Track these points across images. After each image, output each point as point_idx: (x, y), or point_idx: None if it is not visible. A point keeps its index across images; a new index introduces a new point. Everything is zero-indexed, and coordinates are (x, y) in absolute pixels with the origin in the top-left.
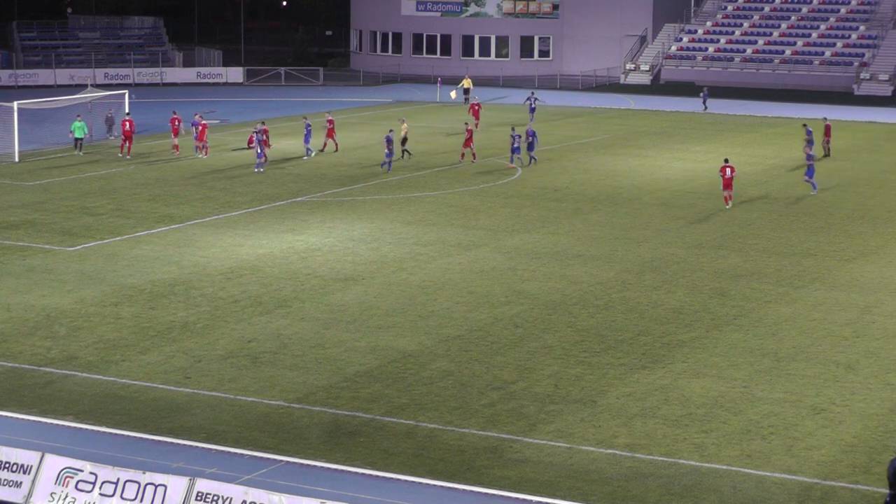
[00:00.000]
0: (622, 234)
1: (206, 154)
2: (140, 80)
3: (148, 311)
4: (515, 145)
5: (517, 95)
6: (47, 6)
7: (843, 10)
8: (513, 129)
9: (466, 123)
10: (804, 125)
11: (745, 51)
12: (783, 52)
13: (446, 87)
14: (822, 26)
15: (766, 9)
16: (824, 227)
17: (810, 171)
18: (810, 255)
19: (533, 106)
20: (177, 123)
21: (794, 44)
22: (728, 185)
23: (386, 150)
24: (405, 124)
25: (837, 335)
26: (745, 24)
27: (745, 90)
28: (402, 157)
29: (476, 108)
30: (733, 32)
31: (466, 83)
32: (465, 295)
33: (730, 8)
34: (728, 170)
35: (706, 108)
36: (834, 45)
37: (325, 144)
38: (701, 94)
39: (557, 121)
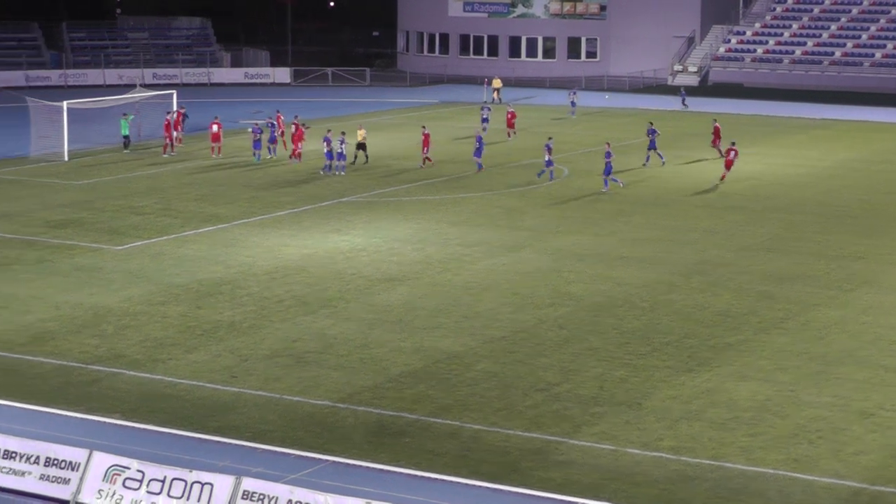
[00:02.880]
0: (668, 236)
1: (219, 154)
2: (187, 80)
3: (194, 311)
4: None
5: (551, 96)
6: (96, 7)
7: (893, 12)
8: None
9: (424, 126)
10: (650, 123)
11: (793, 52)
12: (832, 53)
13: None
14: (872, 28)
15: (816, 10)
16: (874, 230)
17: (608, 169)
18: (859, 259)
19: (574, 101)
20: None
21: (844, 45)
22: (729, 165)
23: (546, 158)
24: (363, 130)
25: (886, 339)
26: (794, 26)
27: (794, 92)
28: (354, 161)
29: (511, 116)
30: (782, 34)
31: (496, 83)
32: (510, 296)
33: (779, 9)
34: (732, 152)
35: (686, 106)
36: (884, 46)
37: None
38: (680, 94)
39: (604, 122)
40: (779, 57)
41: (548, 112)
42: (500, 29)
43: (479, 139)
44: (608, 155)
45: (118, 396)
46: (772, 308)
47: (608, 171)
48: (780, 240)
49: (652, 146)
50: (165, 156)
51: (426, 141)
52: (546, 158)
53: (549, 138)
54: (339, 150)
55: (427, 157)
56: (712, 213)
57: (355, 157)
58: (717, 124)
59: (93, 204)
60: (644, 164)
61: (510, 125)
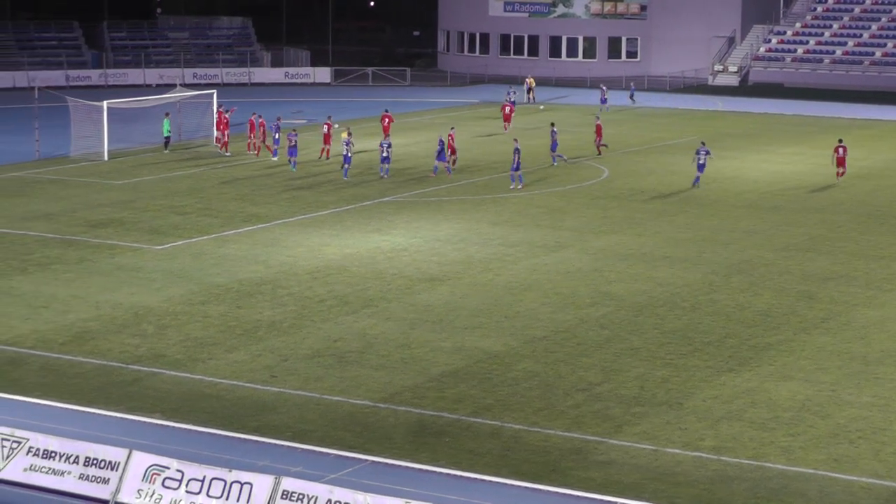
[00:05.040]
0: (709, 236)
1: (226, 149)
2: (228, 80)
3: (235, 310)
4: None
5: (592, 95)
6: (137, 6)
7: None
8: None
9: (452, 128)
10: (551, 124)
11: (834, 52)
12: (873, 53)
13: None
14: None
15: (856, 10)
16: None
17: (516, 165)
18: None
19: (605, 98)
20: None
21: (885, 45)
22: (840, 162)
23: (699, 163)
24: (345, 133)
25: None
26: (835, 26)
27: (835, 92)
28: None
29: (507, 109)
30: (822, 34)
31: (530, 82)
32: (551, 296)
33: (819, 9)
34: (840, 149)
35: (633, 101)
36: None
37: (323, 151)
38: (629, 89)
39: (645, 122)
40: (819, 57)
41: (585, 112)
42: (541, 29)
43: (442, 142)
44: (517, 151)
45: (158, 396)
46: (812, 308)
47: (516, 167)
48: (820, 240)
49: (554, 147)
50: (228, 154)
51: (450, 143)
52: (699, 162)
53: (703, 143)
54: (346, 153)
55: (453, 159)
56: (753, 213)
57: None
58: (599, 122)
59: (133, 204)
60: (555, 164)
61: (507, 119)
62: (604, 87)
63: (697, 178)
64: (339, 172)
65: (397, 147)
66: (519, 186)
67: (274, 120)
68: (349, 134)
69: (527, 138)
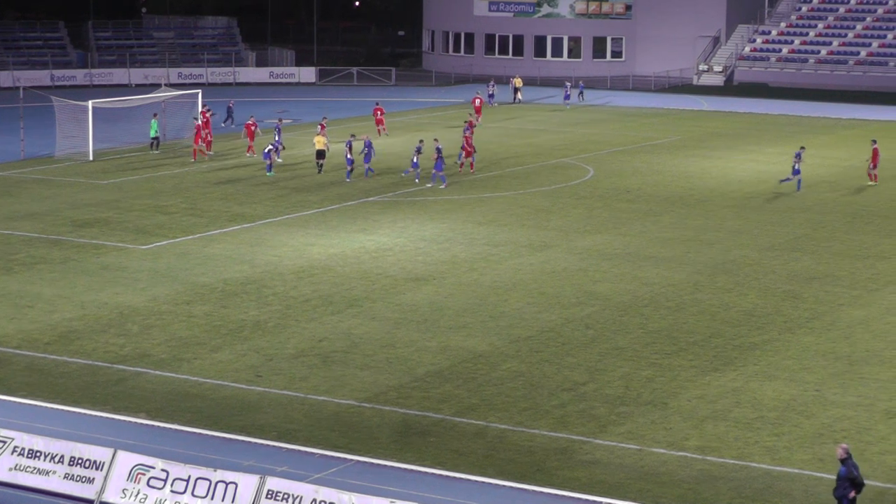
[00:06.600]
0: (694, 236)
1: (208, 149)
2: (213, 79)
3: (220, 310)
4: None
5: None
6: (122, 6)
7: None
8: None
9: (466, 130)
10: (465, 121)
11: (819, 52)
12: (858, 53)
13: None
14: None
15: (841, 10)
16: None
17: (439, 164)
18: (884, 258)
19: (568, 94)
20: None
21: (870, 45)
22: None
23: (795, 167)
24: (322, 136)
25: None
26: (820, 26)
27: (820, 92)
28: (320, 171)
29: (477, 101)
30: (807, 34)
31: (518, 82)
32: (537, 296)
33: (804, 9)
34: (875, 152)
35: (582, 99)
36: None
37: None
38: (578, 86)
39: (630, 122)
40: (804, 57)
41: (572, 112)
42: (526, 28)
43: (369, 143)
44: (438, 150)
45: (143, 396)
46: (797, 308)
47: (439, 167)
48: (805, 239)
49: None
50: (211, 154)
51: (468, 142)
52: (795, 167)
53: (802, 147)
54: (414, 160)
55: (465, 163)
56: (738, 213)
57: (319, 166)
58: (471, 119)
59: (118, 203)
60: (458, 163)
61: (478, 112)
62: (568, 84)
63: (787, 179)
64: (330, 173)
65: (382, 147)
66: (442, 186)
67: (275, 121)
68: (352, 136)
69: (495, 136)
